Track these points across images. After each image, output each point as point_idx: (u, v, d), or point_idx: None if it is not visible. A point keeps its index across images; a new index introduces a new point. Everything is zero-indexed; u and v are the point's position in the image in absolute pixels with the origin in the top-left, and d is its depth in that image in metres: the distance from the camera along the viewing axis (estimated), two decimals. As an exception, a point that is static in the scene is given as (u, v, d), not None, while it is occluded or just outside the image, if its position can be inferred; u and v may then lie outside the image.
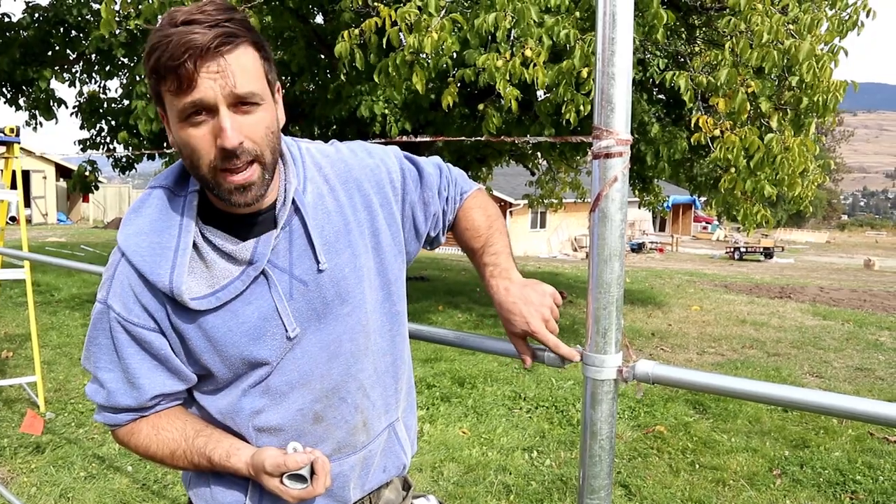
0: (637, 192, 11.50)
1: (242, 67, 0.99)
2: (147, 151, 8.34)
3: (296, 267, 1.12)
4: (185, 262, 1.06)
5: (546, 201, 13.69)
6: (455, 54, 5.71)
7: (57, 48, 9.50)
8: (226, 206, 1.09)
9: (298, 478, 1.09)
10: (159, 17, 5.50)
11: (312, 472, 1.09)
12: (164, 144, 8.67)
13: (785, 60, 5.13)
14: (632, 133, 0.96)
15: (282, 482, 1.08)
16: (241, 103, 1.00)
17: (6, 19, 9.16)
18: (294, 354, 1.13)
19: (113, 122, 9.77)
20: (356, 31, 4.88)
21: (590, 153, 0.98)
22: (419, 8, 4.57)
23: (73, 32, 9.47)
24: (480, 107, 6.52)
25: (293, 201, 1.12)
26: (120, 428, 1.18)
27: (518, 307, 1.15)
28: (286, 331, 1.11)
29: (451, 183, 1.34)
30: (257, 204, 1.08)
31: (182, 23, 0.96)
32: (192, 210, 1.09)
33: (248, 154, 1.01)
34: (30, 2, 9.44)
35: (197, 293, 1.07)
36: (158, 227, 1.09)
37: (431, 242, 1.37)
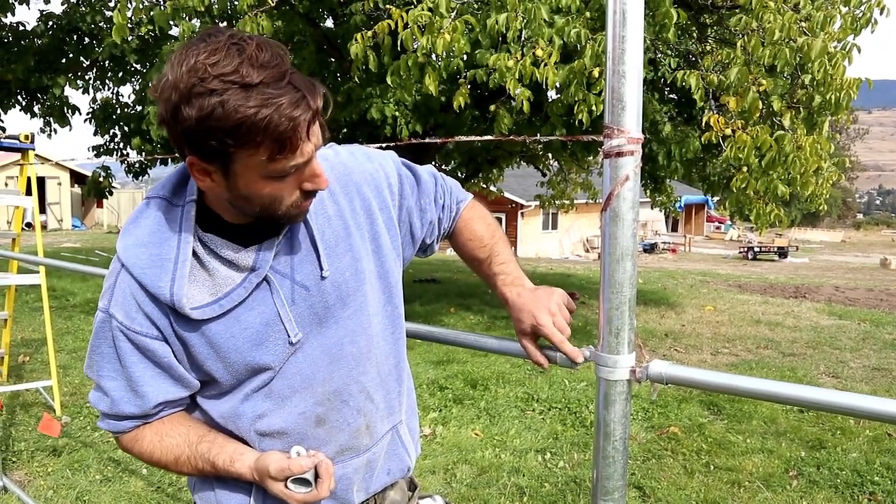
0: (649, 193, 11.45)
1: None
2: (160, 157, 8.40)
3: (297, 272, 1.12)
4: (185, 273, 1.06)
5: (557, 202, 13.65)
6: (466, 55, 5.71)
7: (71, 55, 9.61)
8: (246, 218, 1.09)
9: (303, 482, 1.09)
10: (172, 23, 5.56)
11: (317, 476, 1.10)
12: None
13: (797, 58, 5.09)
14: (643, 132, 0.95)
15: (286, 486, 1.08)
16: None
17: (21, 27, 9.27)
18: (296, 359, 1.14)
19: (126, 128, 9.84)
20: (369, 34, 4.89)
21: (601, 152, 0.97)
22: (430, 10, 4.58)
23: (87, 39, 9.57)
24: (492, 108, 6.51)
25: None
26: (124, 435, 1.18)
27: (528, 305, 1.17)
28: (288, 336, 1.11)
29: (446, 192, 1.35)
30: None
31: (252, 84, 0.91)
32: (190, 220, 1.08)
33: None
34: (44, 10, 9.54)
35: (199, 302, 1.07)
36: (157, 238, 1.08)
37: (425, 250, 1.38)
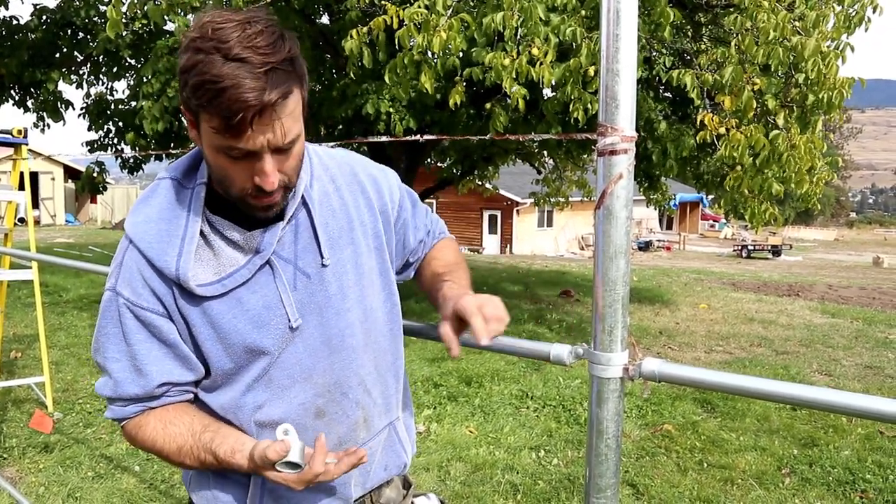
0: (643, 191, 11.47)
1: (290, 116, 1.00)
2: (154, 152, 8.37)
3: (300, 259, 1.15)
4: (192, 249, 1.09)
5: (553, 200, 13.66)
6: (462, 53, 5.70)
7: (64, 50, 9.54)
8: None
9: (293, 464, 1.08)
10: (166, 18, 5.53)
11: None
12: (171, 145, 8.69)
13: (791, 58, 5.10)
14: (638, 131, 0.96)
15: (277, 470, 1.07)
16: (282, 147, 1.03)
17: (14, 22, 9.20)
18: (296, 348, 1.15)
19: (120, 124, 9.80)
20: (364, 30, 4.88)
21: (595, 150, 0.97)
22: (427, 7, 4.57)
23: (81, 34, 9.50)
24: (487, 106, 6.51)
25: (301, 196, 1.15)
26: (128, 422, 1.18)
27: (459, 295, 1.16)
28: (289, 320, 1.13)
29: (435, 222, 1.44)
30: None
31: (234, 58, 0.94)
32: (199, 201, 1.12)
33: (280, 185, 1.06)
34: (38, 4, 9.48)
35: (203, 280, 1.09)
36: (167, 215, 1.11)
37: (401, 272, 1.39)
